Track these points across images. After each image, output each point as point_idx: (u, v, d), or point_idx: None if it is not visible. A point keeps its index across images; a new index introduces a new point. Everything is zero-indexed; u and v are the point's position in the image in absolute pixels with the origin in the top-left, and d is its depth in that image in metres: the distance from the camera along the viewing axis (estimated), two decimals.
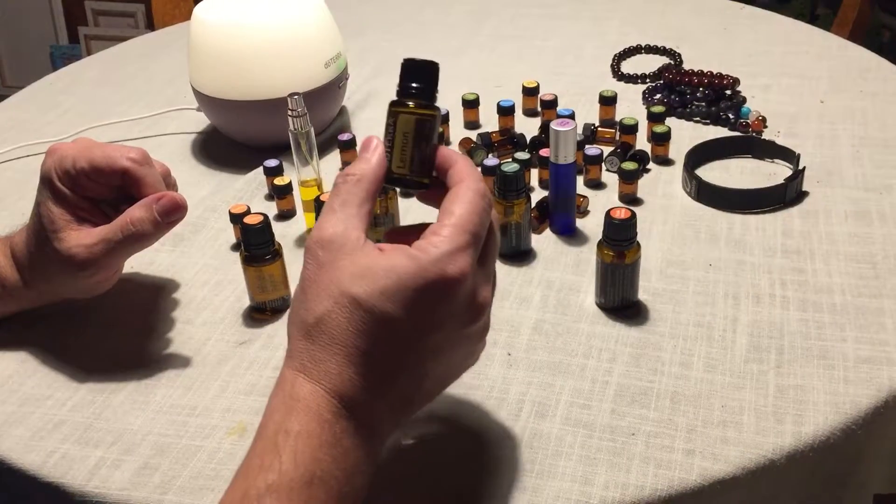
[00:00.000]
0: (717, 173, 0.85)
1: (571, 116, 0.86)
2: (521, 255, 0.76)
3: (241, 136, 0.94)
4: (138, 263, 0.77)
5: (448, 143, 0.93)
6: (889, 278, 0.71)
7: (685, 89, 0.98)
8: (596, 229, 0.77)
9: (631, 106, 0.98)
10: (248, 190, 0.87)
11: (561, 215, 0.79)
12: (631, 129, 0.89)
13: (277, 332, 0.70)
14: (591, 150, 0.84)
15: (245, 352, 0.68)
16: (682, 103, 0.97)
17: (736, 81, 0.99)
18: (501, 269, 0.75)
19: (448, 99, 0.96)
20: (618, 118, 0.92)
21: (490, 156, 0.88)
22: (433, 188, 0.53)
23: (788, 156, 0.85)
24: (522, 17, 1.23)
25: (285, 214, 0.84)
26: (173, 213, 0.64)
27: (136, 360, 0.68)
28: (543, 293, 0.72)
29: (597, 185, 0.85)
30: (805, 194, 0.82)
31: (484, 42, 1.17)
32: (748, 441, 0.58)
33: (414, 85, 0.53)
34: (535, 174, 0.86)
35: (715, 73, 0.99)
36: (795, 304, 0.69)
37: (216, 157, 0.95)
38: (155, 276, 0.77)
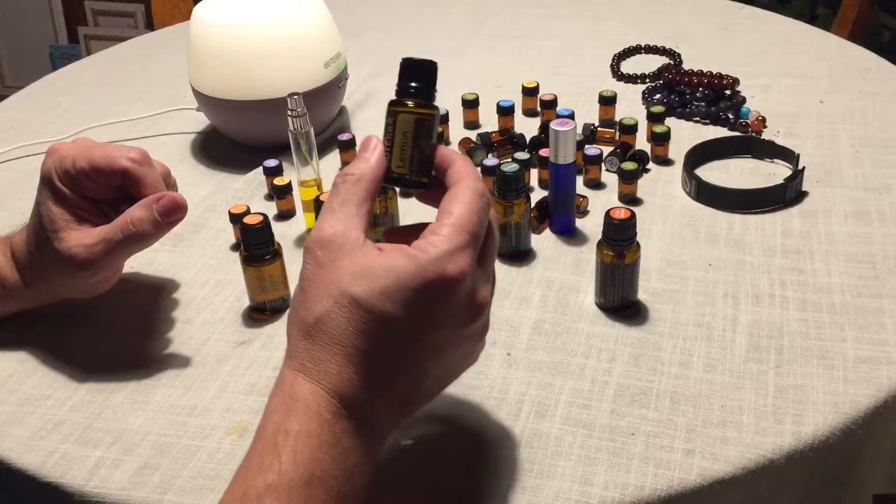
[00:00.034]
0: (717, 173, 0.85)
1: (571, 116, 0.86)
2: (520, 255, 0.76)
3: (240, 136, 0.94)
4: (138, 263, 0.77)
5: (448, 142, 0.93)
6: (888, 278, 0.71)
7: (685, 89, 0.98)
8: (595, 229, 0.77)
9: (630, 106, 0.98)
10: (247, 190, 0.88)
11: (560, 215, 0.79)
12: (630, 129, 0.89)
13: (277, 332, 0.70)
14: (591, 150, 0.84)
15: (245, 352, 0.68)
16: (682, 103, 0.97)
17: (735, 81, 0.99)
18: (501, 269, 0.75)
19: (448, 99, 0.96)
20: (617, 118, 0.92)
21: (490, 156, 0.88)
22: (432, 187, 0.53)
23: (788, 156, 0.85)
24: (522, 17, 1.23)
25: (285, 214, 0.84)
26: (173, 213, 0.64)
27: (135, 359, 0.68)
28: (543, 293, 0.72)
29: (596, 185, 0.85)
30: (805, 194, 0.82)
31: (484, 42, 1.17)
32: (748, 441, 0.58)
33: (413, 84, 0.53)
34: (534, 174, 0.86)
35: (714, 73, 0.99)
36: (795, 304, 0.69)
37: (216, 157, 0.95)
38: (155, 276, 0.77)
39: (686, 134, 0.92)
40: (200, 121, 1.00)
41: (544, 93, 0.95)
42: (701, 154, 0.87)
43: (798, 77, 1.02)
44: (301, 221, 0.83)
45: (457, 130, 0.95)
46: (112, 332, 0.71)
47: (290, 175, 0.83)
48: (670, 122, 0.94)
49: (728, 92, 0.97)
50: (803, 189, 0.82)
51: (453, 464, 0.58)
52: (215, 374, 0.66)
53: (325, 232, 0.49)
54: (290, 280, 0.72)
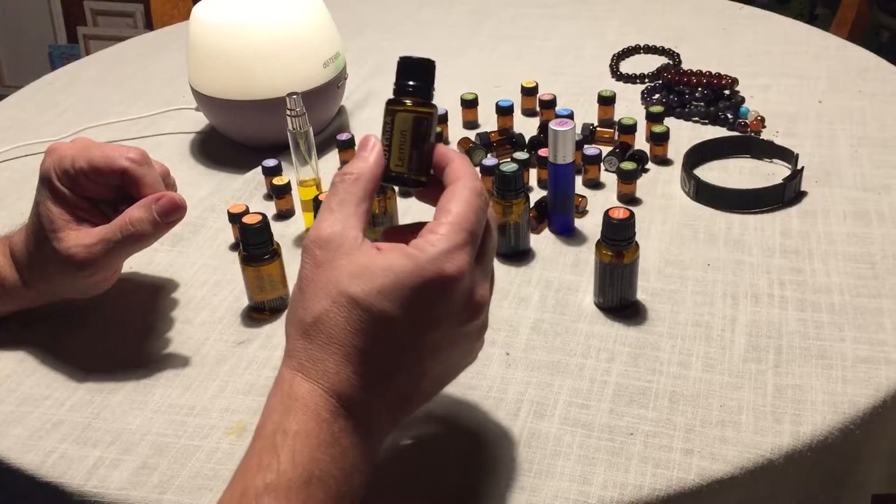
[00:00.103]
0: (716, 173, 0.86)
1: (570, 116, 0.86)
2: (519, 255, 0.76)
3: (239, 135, 0.94)
4: (137, 263, 0.77)
5: (447, 142, 0.93)
6: (887, 278, 0.71)
7: (684, 89, 0.98)
8: (594, 229, 0.77)
9: (630, 106, 0.98)
10: (246, 190, 0.88)
11: (559, 215, 0.79)
12: (630, 129, 0.89)
13: (276, 331, 0.70)
14: (590, 149, 0.84)
15: (244, 351, 0.68)
16: (681, 103, 0.97)
17: (735, 81, 0.99)
18: (500, 268, 0.75)
19: (447, 99, 0.96)
20: (616, 118, 0.92)
21: (489, 156, 0.88)
22: (431, 186, 0.53)
23: (787, 156, 0.85)
24: (522, 17, 1.23)
25: (284, 214, 0.84)
26: (172, 213, 0.64)
27: (134, 359, 0.68)
28: (542, 293, 0.72)
29: (595, 184, 0.85)
30: (804, 194, 0.82)
31: (484, 42, 1.17)
32: (746, 441, 0.58)
33: (411, 83, 0.53)
34: (533, 174, 0.86)
35: (714, 73, 0.99)
36: (794, 303, 0.69)
37: (215, 156, 0.95)
38: (154, 276, 0.77)
39: (685, 134, 0.92)
40: (199, 120, 1.00)
41: (543, 93, 0.95)
42: (700, 154, 0.87)
43: (797, 77, 1.02)
44: (300, 221, 0.83)
45: (456, 130, 0.95)
46: (111, 331, 0.71)
47: (289, 175, 0.83)
48: (669, 121, 0.94)
49: (727, 92, 0.97)
50: (802, 189, 0.82)
51: (452, 463, 0.58)
52: (214, 373, 0.66)
53: (324, 231, 0.49)
54: (289, 280, 0.72)
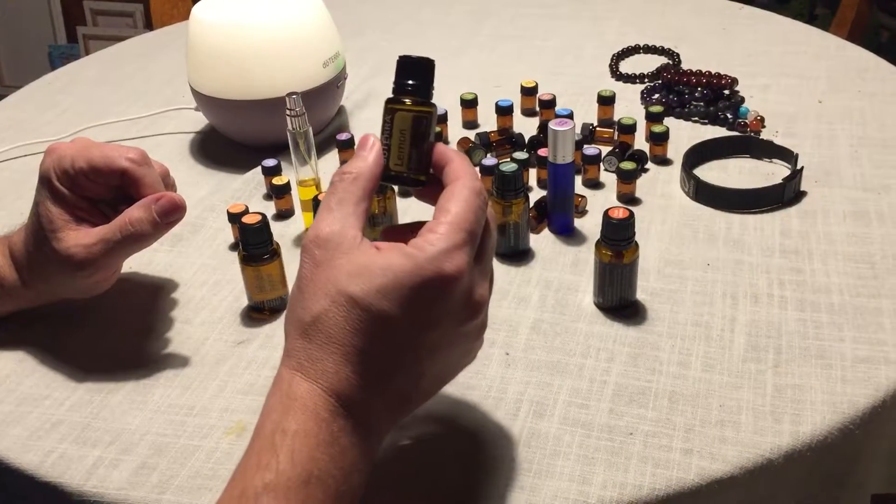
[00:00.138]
0: (716, 173, 0.85)
1: (570, 116, 0.86)
2: (519, 255, 0.76)
3: (239, 135, 0.94)
4: (137, 263, 0.77)
5: (447, 142, 0.93)
6: (887, 278, 0.71)
7: (683, 89, 0.98)
8: (594, 229, 0.77)
9: (629, 106, 0.98)
10: (246, 190, 0.88)
11: (559, 215, 0.79)
12: (629, 129, 0.89)
13: (275, 331, 0.70)
14: (590, 149, 0.84)
15: (243, 351, 0.68)
16: (681, 103, 0.97)
17: (734, 81, 0.99)
18: (500, 268, 0.75)
19: (447, 99, 0.96)
20: (616, 118, 0.92)
21: (488, 155, 0.88)
22: (430, 185, 0.53)
23: (787, 156, 0.85)
24: (522, 17, 1.23)
25: (283, 214, 0.84)
26: (172, 213, 0.64)
27: (134, 359, 0.68)
28: (542, 293, 0.72)
29: (595, 184, 0.85)
30: (803, 194, 0.82)
31: (484, 42, 1.17)
32: (746, 440, 0.58)
33: (410, 82, 0.53)
34: (533, 174, 0.86)
35: (713, 72, 0.99)
36: (793, 303, 0.69)
37: (214, 156, 0.95)
38: (153, 276, 0.77)
39: (685, 134, 0.92)
40: (199, 120, 1.00)
41: (543, 92, 0.95)
42: (699, 154, 0.87)
43: (797, 77, 1.02)
44: (300, 221, 0.83)
45: (455, 130, 0.95)
46: (110, 331, 0.71)
47: (289, 175, 0.83)
48: (669, 121, 0.94)
49: (727, 92, 0.97)
50: (802, 189, 0.82)
51: (451, 463, 0.58)
52: (214, 373, 0.66)
53: (323, 231, 0.49)
54: (288, 280, 0.72)
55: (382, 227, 0.77)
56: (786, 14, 1.22)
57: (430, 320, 0.48)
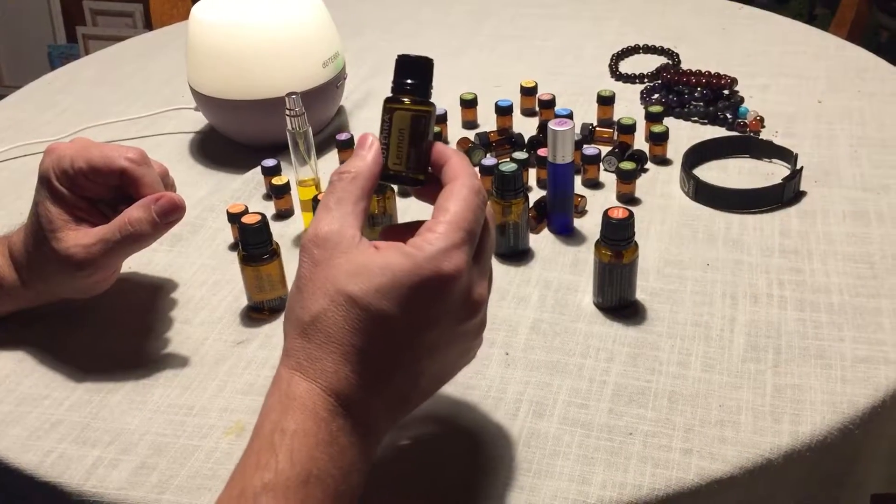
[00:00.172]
0: (715, 173, 0.85)
1: (569, 116, 0.86)
2: (518, 255, 0.76)
3: (238, 135, 0.94)
4: (136, 263, 0.77)
5: (446, 142, 0.93)
6: (887, 278, 0.71)
7: (683, 89, 0.98)
8: (594, 229, 0.77)
9: (629, 106, 0.98)
10: (245, 190, 0.87)
11: (559, 215, 0.79)
12: (629, 129, 0.89)
13: (275, 331, 0.70)
14: (589, 149, 0.84)
15: (243, 351, 0.68)
16: (680, 103, 0.97)
17: (734, 81, 0.99)
18: (499, 268, 0.75)
19: (446, 98, 0.96)
20: (616, 118, 0.92)
21: (488, 155, 0.88)
22: (429, 185, 0.53)
23: (786, 156, 0.85)
24: (522, 17, 1.23)
25: (283, 214, 0.84)
26: (172, 213, 0.64)
27: (133, 359, 0.68)
28: (541, 293, 0.72)
29: (595, 184, 0.85)
30: (803, 194, 0.82)
31: (483, 42, 1.17)
32: (745, 440, 0.58)
33: (409, 81, 0.53)
34: (532, 174, 0.86)
35: (713, 72, 0.99)
36: (793, 303, 0.69)
37: (214, 156, 0.95)
38: (153, 276, 0.77)
39: (684, 134, 0.92)
40: (198, 120, 1.00)
41: (543, 92, 0.95)
42: (699, 154, 0.87)
43: (796, 77, 1.02)
44: (299, 221, 0.83)
45: (455, 130, 0.95)
46: (110, 331, 0.71)
47: (289, 175, 0.83)
48: (668, 121, 0.94)
49: (726, 92, 0.97)
50: (801, 189, 0.82)
51: (451, 463, 0.58)
52: (213, 373, 0.66)
53: (321, 230, 0.49)
54: (288, 279, 0.72)
55: (381, 226, 0.77)
56: (785, 14, 1.22)
57: (429, 319, 0.48)
